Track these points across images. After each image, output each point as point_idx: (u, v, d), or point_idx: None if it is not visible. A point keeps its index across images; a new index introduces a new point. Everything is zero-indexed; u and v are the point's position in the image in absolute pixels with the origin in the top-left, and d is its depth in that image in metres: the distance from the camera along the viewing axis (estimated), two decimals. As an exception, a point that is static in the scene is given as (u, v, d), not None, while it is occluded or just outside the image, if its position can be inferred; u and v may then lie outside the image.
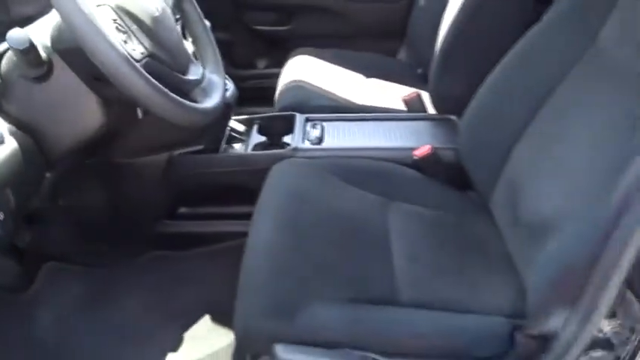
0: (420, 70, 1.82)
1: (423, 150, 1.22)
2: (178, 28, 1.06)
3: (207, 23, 1.14)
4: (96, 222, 1.38)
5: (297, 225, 1.03)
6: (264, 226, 1.03)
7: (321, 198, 1.12)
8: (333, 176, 1.19)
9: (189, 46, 1.17)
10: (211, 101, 0.98)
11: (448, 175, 1.24)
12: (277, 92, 1.61)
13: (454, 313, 0.89)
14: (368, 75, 1.74)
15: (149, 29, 0.91)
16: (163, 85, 0.83)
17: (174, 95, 0.85)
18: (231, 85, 1.37)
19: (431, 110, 1.47)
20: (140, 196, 1.36)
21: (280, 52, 2.05)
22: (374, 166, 1.23)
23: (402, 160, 1.25)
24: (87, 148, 1.07)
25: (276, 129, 1.43)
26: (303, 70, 1.71)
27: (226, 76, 1.39)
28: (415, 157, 1.22)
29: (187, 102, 0.91)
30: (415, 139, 1.31)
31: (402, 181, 1.21)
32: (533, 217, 0.96)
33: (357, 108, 1.50)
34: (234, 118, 1.46)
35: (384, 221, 1.10)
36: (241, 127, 1.45)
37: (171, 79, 0.89)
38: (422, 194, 1.19)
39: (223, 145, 1.39)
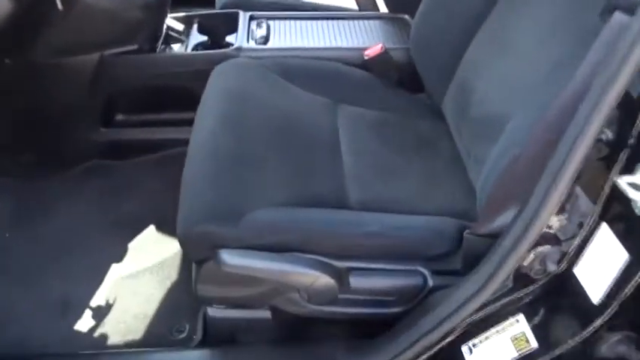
0: None
1: (373, 50, 1.16)
2: None
3: None
4: (21, 129, 1.27)
5: (241, 127, 0.97)
6: (205, 129, 0.97)
7: (266, 99, 1.05)
8: (278, 77, 1.12)
9: None
10: None
11: (399, 77, 1.19)
12: None
13: (403, 215, 0.87)
14: None
15: None
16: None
17: None
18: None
19: (383, 9, 1.39)
20: (69, 100, 1.25)
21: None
22: (321, 67, 1.17)
23: (352, 60, 1.19)
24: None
25: (218, 28, 1.32)
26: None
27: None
28: (366, 58, 1.16)
29: None
30: (366, 39, 1.25)
31: (351, 83, 1.16)
32: (484, 114, 0.94)
33: (305, 6, 1.41)
34: (171, 15, 1.34)
35: (330, 122, 1.05)
36: (180, 26, 1.33)
37: None
38: (371, 96, 1.15)
39: (160, 46, 1.28)
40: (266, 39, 1.24)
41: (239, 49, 1.20)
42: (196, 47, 1.27)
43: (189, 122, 1.06)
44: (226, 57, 1.17)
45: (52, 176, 1.28)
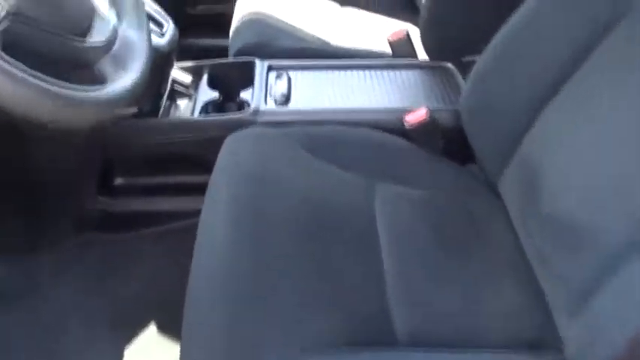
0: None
1: (416, 116, 0.97)
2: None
3: None
4: (6, 198, 1.10)
5: (258, 226, 0.79)
6: (214, 229, 0.79)
7: (287, 182, 0.87)
8: (302, 150, 0.94)
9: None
10: (125, 77, 0.66)
11: (445, 144, 1.00)
12: (231, 29, 1.31)
13: (460, 354, 0.68)
14: (343, 2, 1.44)
15: None
16: (39, 61, 0.54)
17: (37, 80, 0.55)
18: (169, 26, 1.06)
19: (421, 52, 1.20)
20: (60, 166, 1.08)
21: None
22: (353, 136, 0.98)
23: (389, 125, 1.00)
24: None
25: (232, 80, 1.14)
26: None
27: (161, 12, 1.08)
28: (407, 126, 0.97)
29: (65, 89, 0.58)
30: (404, 96, 1.06)
31: (389, 155, 0.97)
32: (562, 212, 0.75)
33: (331, 51, 1.22)
34: (178, 65, 1.16)
35: (366, 208, 0.87)
36: (187, 78, 1.16)
37: (55, 49, 0.59)
38: (413, 171, 0.96)
39: (164, 103, 1.11)
40: (287, 97, 1.06)
41: (256, 111, 1.02)
42: (206, 106, 1.09)
43: (199, 190, 0.90)
44: (241, 123, 0.99)
45: (40, 252, 1.12)
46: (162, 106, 1.10)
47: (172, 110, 1.11)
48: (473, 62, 1.17)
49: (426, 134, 0.97)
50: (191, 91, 1.15)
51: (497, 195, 0.91)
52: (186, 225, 1.15)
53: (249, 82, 1.12)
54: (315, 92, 1.08)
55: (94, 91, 0.58)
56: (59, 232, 1.14)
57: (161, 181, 1.14)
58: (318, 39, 1.26)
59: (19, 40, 0.53)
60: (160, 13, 1.05)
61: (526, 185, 0.83)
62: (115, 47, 0.64)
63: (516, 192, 0.86)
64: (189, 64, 1.18)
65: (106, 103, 0.60)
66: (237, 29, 1.28)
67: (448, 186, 0.95)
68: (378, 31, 1.31)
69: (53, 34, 0.56)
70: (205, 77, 1.15)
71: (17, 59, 0.52)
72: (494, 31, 1.18)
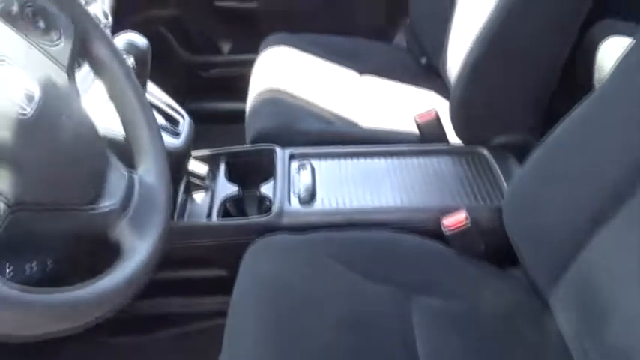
0: (424, 60, 1.47)
1: (455, 220, 0.89)
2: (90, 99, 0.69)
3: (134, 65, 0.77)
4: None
5: (287, 343, 0.73)
6: (241, 348, 0.72)
7: (315, 297, 0.80)
8: (330, 259, 0.86)
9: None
10: (142, 247, 0.57)
11: (486, 246, 0.93)
12: (248, 110, 1.24)
13: None
14: (362, 69, 1.38)
15: (12, 152, 0.48)
16: (43, 244, 0.47)
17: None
18: (185, 123, 0.99)
19: (450, 132, 1.13)
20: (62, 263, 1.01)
21: (249, 33, 1.66)
22: (386, 242, 0.91)
23: (423, 227, 0.92)
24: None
25: (251, 172, 1.07)
26: (280, 71, 1.33)
27: (175, 106, 1.02)
28: (446, 231, 0.89)
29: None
30: (439, 193, 0.98)
31: (426, 263, 0.89)
32: (629, 347, 0.67)
33: (356, 135, 1.15)
34: (194, 155, 1.09)
35: (403, 325, 0.79)
36: (203, 169, 1.08)
37: (62, 226, 0.52)
38: (452, 280, 0.88)
39: (181, 195, 1.04)
40: (312, 193, 0.98)
41: (279, 214, 0.94)
42: (225, 202, 1.02)
43: (218, 289, 0.83)
44: (263, 228, 0.92)
45: (46, 357, 1.04)
46: (179, 199, 1.03)
47: (189, 205, 1.04)
48: (507, 145, 1.11)
49: (465, 239, 0.89)
50: (207, 182, 1.07)
51: (546, 304, 0.83)
52: (205, 327, 1.08)
53: (269, 172, 1.05)
54: (341, 186, 1.00)
55: (91, 284, 0.50)
56: (65, 335, 1.06)
57: (177, 280, 1.06)
58: (341, 119, 1.19)
59: (20, 227, 0.46)
60: (174, 109, 0.99)
61: (585, 309, 0.75)
62: (132, 203, 0.57)
63: (572, 313, 0.78)
64: (205, 152, 1.11)
65: (118, 291, 0.52)
66: (254, 110, 1.21)
67: (491, 297, 0.87)
68: (403, 106, 1.25)
69: (59, 210, 0.49)
70: (223, 168, 1.08)
71: (19, 246, 0.46)
72: (530, 111, 1.12)
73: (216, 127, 1.64)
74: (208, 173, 1.08)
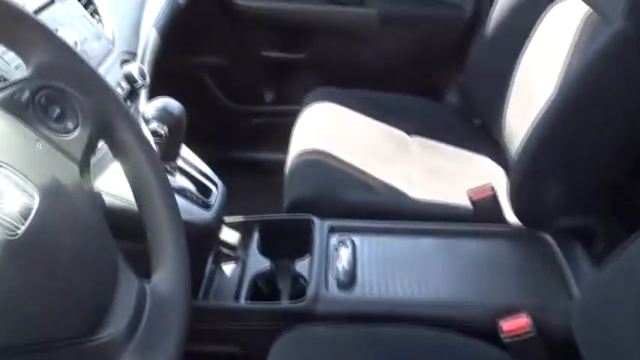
0: (477, 121, 1.37)
1: (515, 324, 0.77)
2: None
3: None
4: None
5: None
6: None
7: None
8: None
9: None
10: None
11: (550, 355, 0.80)
12: (287, 172, 1.16)
13: None
14: (411, 130, 1.28)
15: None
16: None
17: None
18: (218, 193, 0.92)
19: (506, 208, 1.02)
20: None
21: (294, 84, 1.61)
22: (436, 344, 0.79)
23: (477, 326, 0.81)
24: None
25: (286, 243, 0.99)
26: (323, 129, 1.25)
27: (208, 172, 0.95)
28: (504, 336, 0.78)
29: None
30: (497, 286, 0.86)
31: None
32: None
33: (403, 208, 1.05)
34: (227, 220, 1.01)
35: None
36: (234, 237, 1.00)
37: None
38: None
39: (210, 266, 0.96)
40: (352, 276, 0.88)
41: (315, 299, 0.85)
42: (255, 278, 0.93)
43: None
44: (296, 316, 0.83)
45: None
46: (206, 272, 0.95)
47: (216, 279, 0.95)
48: (572, 228, 0.99)
49: (526, 348, 0.78)
50: (239, 253, 0.99)
51: None
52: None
53: (306, 246, 0.96)
54: (385, 269, 0.90)
55: None
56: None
57: (193, 353, 0.98)
58: (387, 188, 1.09)
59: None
60: (207, 177, 0.92)
61: None
62: (141, 324, 0.48)
63: None
64: (237, 219, 1.03)
65: None
66: (293, 173, 1.13)
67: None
68: (455, 174, 1.15)
69: (52, 349, 0.41)
70: (256, 237, 1.00)
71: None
72: (599, 191, 1.00)
73: (255, 178, 1.59)
74: (240, 242, 1.00)
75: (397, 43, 1.52)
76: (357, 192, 1.07)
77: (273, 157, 1.67)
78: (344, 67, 1.55)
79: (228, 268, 0.99)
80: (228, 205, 0.98)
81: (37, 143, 0.46)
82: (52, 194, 0.43)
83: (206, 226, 0.85)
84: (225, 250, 0.99)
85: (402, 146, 1.24)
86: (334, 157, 1.14)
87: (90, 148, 0.50)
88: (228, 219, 1.02)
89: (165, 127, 0.76)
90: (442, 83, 1.53)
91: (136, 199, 0.54)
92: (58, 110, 0.48)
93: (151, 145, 0.56)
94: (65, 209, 0.45)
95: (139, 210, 0.54)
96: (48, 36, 0.49)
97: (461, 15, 1.49)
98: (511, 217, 1.00)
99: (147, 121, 0.77)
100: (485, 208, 1.00)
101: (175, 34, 1.23)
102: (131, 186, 0.54)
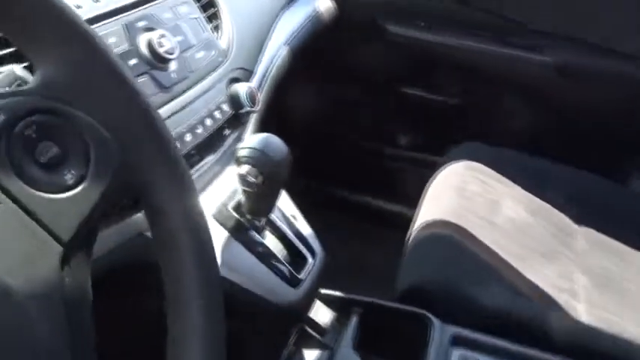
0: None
1: None
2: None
3: None
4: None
5: None
6: None
7: None
8: None
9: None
10: None
11: None
12: (408, 244, 0.92)
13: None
14: (581, 217, 0.98)
15: None
16: None
17: None
18: (314, 264, 0.71)
19: None
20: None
21: (435, 130, 1.37)
22: None
23: None
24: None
25: (391, 340, 0.75)
26: (463, 197, 0.99)
27: (310, 241, 0.74)
28: None
29: None
30: None
31: None
32: None
33: (558, 332, 0.76)
34: (323, 292, 0.80)
35: None
36: (327, 318, 0.79)
37: None
38: None
39: (287, 351, 0.75)
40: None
41: None
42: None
43: None
44: None
45: None
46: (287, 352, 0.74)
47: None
48: None
49: None
50: (327, 339, 0.77)
51: None
52: None
53: (416, 352, 0.71)
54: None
55: None
56: None
57: None
58: (540, 295, 0.80)
59: None
60: (304, 239, 0.71)
61: None
62: None
63: None
64: (335, 294, 0.81)
65: None
66: (415, 247, 0.88)
67: None
68: (637, 293, 0.83)
69: None
70: (353, 323, 0.77)
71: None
72: None
73: (368, 232, 1.38)
74: (333, 325, 0.78)
75: (576, 102, 1.21)
76: (498, 295, 0.79)
77: (396, 209, 1.45)
78: (503, 122, 1.28)
79: (311, 355, 0.77)
80: (329, 266, 0.77)
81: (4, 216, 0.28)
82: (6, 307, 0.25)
83: (289, 308, 0.64)
84: (311, 331, 0.78)
85: (566, 238, 0.94)
86: (473, 239, 0.88)
87: (93, 220, 0.31)
88: (323, 291, 0.81)
89: (260, 176, 0.57)
90: (629, 162, 1.19)
91: (167, 310, 0.35)
92: (54, 150, 0.30)
93: (205, 226, 0.36)
94: (13, 321, 0.26)
95: (168, 323, 0.35)
96: (77, 37, 0.31)
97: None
98: None
99: (238, 163, 0.59)
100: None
101: (309, 56, 1.06)
102: (164, 280, 0.35)
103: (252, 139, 0.59)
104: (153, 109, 0.35)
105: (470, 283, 0.81)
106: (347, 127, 1.45)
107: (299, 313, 0.70)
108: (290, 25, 1.01)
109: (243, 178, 0.58)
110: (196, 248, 0.35)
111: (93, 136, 0.31)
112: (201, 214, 0.37)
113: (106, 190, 0.31)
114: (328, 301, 0.80)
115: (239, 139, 0.75)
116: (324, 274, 0.76)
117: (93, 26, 0.56)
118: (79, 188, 0.31)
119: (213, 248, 0.36)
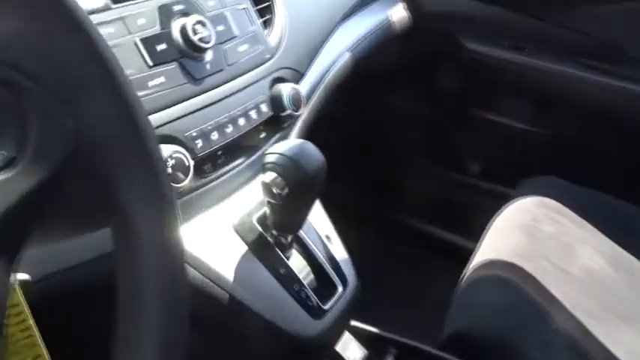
0: None
1: None
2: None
3: None
4: None
5: None
6: None
7: None
8: None
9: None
10: None
11: None
12: (462, 283, 0.81)
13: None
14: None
15: None
16: None
17: None
18: (343, 294, 0.62)
19: None
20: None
21: (508, 159, 1.25)
22: None
23: None
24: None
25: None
26: (532, 239, 0.87)
27: (339, 260, 0.66)
28: None
29: None
30: None
31: None
32: None
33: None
34: (353, 325, 0.72)
35: None
36: (356, 355, 0.69)
37: None
38: None
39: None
40: None
41: None
42: None
43: None
44: None
45: None
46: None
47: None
48: None
49: None
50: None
51: None
52: None
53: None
54: None
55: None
56: None
57: None
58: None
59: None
60: (335, 263, 0.63)
61: None
62: None
63: None
64: (368, 328, 0.72)
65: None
66: (467, 293, 0.76)
67: None
68: None
69: None
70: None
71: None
72: None
73: (425, 259, 1.27)
74: (363, 362, 0.69)
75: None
76: (565, 356, 0.67)
77: (455, 240, 1.33)
78: (588, 158, 1.13)
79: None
80: (368, 291, 0.68)
81: None
82: None
83: (307, 342, 0.56)
84: (338, 367, 0.69)
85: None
86: (539, 287, 0.76)
87: (22, 216, 0.24)
88: (355, 323, 0.72)
89: (286, 187, 0.50)
90: None
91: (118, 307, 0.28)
92: None
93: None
94: None
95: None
96: None
97: None
98: None
99: (264, 170, 0.52)
100: None
101: (374, 65, 0.98)
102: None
103: (283, 144, 0.52)
104: (135, 96, 0.28)
105: (527, 340, 0.69)
106: (408, 146, 1.36)
107: (319, 348, 0.62)
108: (356, 31, 0.94)
109: (267, 188, 0.51)
110: (164, 309, 0.27)
111: (40, 114, 0.25)
112: (177, 252, 0.29)
113: (46, 181, 0.25)
114: (360, 336, 0.71)
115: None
116: (359, 302, 0.68)
117: (124, 4, 0.52)
118: (7, 173, 0.25)
119: (186, 306, 0.28)
